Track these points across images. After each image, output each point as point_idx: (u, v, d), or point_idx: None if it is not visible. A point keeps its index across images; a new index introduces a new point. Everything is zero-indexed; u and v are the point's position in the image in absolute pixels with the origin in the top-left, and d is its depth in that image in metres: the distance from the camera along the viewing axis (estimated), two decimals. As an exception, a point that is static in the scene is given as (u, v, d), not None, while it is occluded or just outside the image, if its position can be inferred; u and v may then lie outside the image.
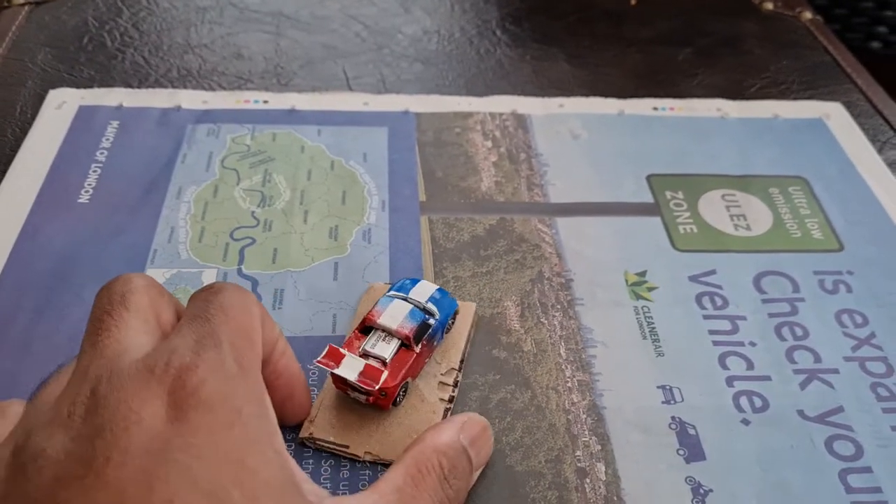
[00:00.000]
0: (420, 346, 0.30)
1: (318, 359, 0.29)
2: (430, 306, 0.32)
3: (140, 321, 0.24)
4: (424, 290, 0.32)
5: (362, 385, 0.29)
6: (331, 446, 0.30)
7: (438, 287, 0.33)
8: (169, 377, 0.21)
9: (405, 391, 0.30)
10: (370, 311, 0.31)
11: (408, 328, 0.30)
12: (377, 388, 0.29)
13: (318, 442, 0.30)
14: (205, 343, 0.22)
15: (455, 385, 0.32)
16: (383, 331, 0.31)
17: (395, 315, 0.31)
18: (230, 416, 0.21)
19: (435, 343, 0.32)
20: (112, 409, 0.20)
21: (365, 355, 0.30)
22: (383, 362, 0.30)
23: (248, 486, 0.20)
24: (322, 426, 0.30)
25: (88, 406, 0.21)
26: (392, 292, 0.32)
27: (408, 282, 0.33)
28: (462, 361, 0.33)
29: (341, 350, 0.30)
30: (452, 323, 0.33)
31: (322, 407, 0.30)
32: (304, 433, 0.30)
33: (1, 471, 0.20)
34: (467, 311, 0.34)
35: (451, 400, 0.31)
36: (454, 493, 0.26)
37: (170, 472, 0.20)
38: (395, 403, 0.30)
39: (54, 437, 0.20)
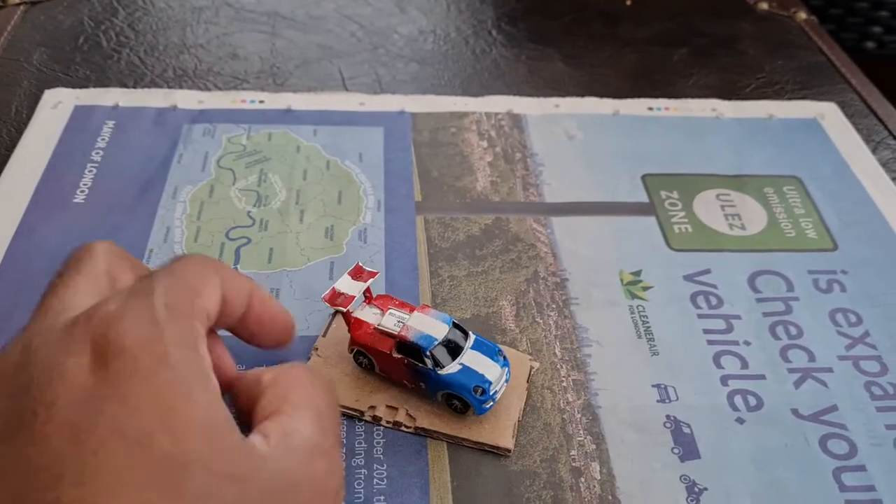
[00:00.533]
0: (400, 358, 0.30)
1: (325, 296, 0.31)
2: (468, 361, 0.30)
3: (90, 283, 0.24)
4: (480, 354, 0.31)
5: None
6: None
7: (503, 364, 0.31)
8: (91, 328, 0.21)
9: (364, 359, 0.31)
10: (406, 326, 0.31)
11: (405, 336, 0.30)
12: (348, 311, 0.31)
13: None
14: (136, 293, 0.22)
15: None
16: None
17: (425, 326, 0.30)
18: (154, 361, 0.21)
19: (421, 384, 0.31)
20: (38, 364, 0.21)
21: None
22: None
23: (177, 430, 0.20)
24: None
25: (18, 364, 0.21)
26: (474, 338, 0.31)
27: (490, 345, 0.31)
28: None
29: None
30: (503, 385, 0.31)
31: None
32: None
33: None
34: (520, 364, 0.33)
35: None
36: (334, 413, 0.26)
37: (96, 423, 0.20)
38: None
39: None
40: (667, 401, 0.33)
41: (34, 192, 0.40)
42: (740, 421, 0.32)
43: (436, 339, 0.30)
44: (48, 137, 0.43)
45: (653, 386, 0.33)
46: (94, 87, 0.47)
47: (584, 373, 0.33)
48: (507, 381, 0.31)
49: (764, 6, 0.60)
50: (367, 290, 0.32)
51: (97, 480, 0.19)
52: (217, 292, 0.24)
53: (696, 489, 0.30)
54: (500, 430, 0.30)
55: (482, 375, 0.30)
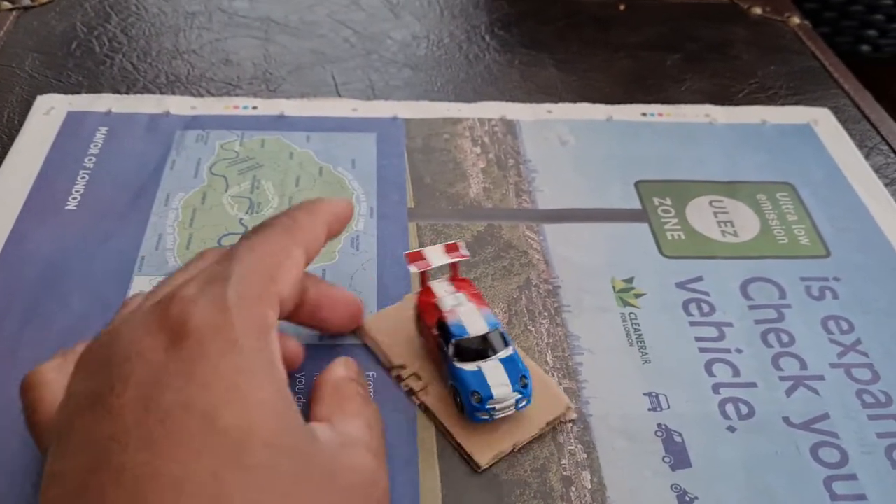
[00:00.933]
0: (436, 335, 0.31)
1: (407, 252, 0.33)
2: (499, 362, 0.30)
3: (185, 271, 0.27)
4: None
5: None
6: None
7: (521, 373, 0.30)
8: (168, 310, 0.23)
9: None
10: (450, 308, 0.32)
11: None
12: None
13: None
14: (213, 278, 0.24)
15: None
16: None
17: (468, 318, 0.31)
18: (223, 346, 0.22)
19: (442, 367, 0.31)
20: (119, 343, 0.23)
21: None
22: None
23: (241, 406, 0.21)
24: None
25: (102, 344, 0.23)
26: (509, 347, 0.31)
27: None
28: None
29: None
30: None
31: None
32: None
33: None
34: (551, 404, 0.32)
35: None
36: (378, 423, 0.28)
37: (163, 395, 0.21)
38: None
39: (77, 374, 0.23)
40: (658, 409, 0.32)
41: (26, 198, 0.40)
42: (731, 429, 0.32)
43: (468, 333, 0.30)
44: (40, 144, 0.43)
45: (644, 394, 0.33)
46: (87, 92, 0.47)
47: (576, 381, 0.33)
48: (518, 408, 0.30)
49: (757, 11, 0.60)
50: (455, 269, 0.33)
51: (161, 447, 0.20)
52: (297, 269, 0.26)
53: (687, 498, 0.30)
54: (486, 445, 0.30)
55: (488, 387, 0.29)
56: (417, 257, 0.33)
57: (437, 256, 0.33)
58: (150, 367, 0.22)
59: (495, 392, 0.29)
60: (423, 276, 0.33)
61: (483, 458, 0.30)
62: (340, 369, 0.30)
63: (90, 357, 0.23)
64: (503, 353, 0.30)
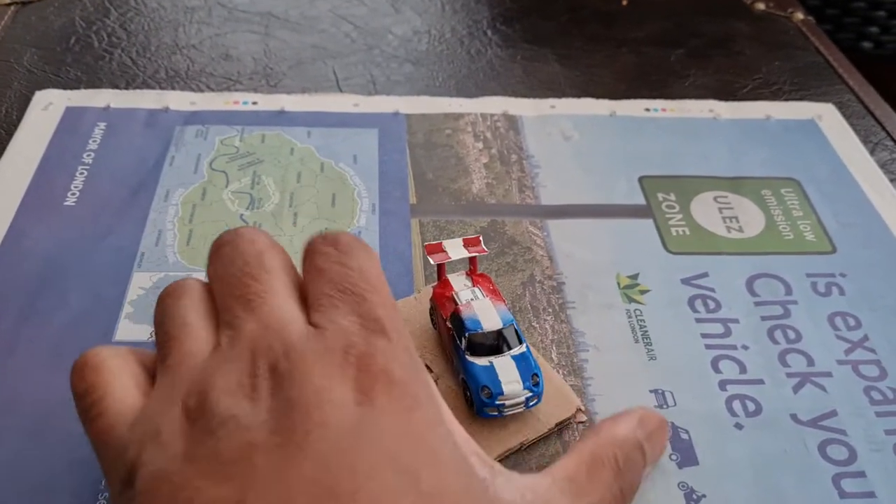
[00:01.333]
0: (449, 328, 0.31)
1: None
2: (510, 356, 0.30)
3: (282, 284, 0.24)
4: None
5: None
6: None
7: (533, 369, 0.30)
8: (352, 361, 0.21)
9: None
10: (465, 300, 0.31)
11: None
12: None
13: None
14: (371, 327, 0.22)
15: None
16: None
17: (483, 313, 0.31)
18: (410, 401, 0.21)
19: (454, 360, 0.31)
20: (301, 386, 0.21)
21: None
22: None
23: (438, 468, 0.21)
24: None
25: (273, 381, 0.21)
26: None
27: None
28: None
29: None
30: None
31: None
32: None
33: (174, 428, 0.21)
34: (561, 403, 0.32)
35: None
36: (627, 487, 0.26)
37: (366, 449, 0.20)
38: None
39: (241, 404, 0.20)
40: (664, 406, 0.32)
41: (25, 194, 0.40)
42: (739, 426, 0.32)
43: (482, 328, 0.30)
44: (39, 139, 0.43)
45: (650, 391, 0.33)
46: (86, 88, 0.47)
47: (581, 378, 0.33)
48: (528, 406, 0.30)
49: (761, 6, 0.60)
50: (474, 263, 0.33)
51: (367, 502, 0.19)
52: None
53: (695, 496, 0.29)
54: (494, 441, 0.30)
55: (499, 382, 0.29)
56: (437, 249, 0.33)
57: (456, 249, 0.33)
58: (346, 418, 0.20)
59: (506, 388, 0.29)
60: (441, 269, 0.33)
61: (490, 454, 0.29)
62: (626, 426, 0.27)
63: (250, 389, 0.21)
64: (516, 350, 0.30)
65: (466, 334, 0.30)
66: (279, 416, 0.20)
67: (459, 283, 0.32)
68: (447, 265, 0.33)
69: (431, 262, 0.33)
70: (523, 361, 0.30)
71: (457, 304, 0.31)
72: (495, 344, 0.30)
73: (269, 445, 0.20)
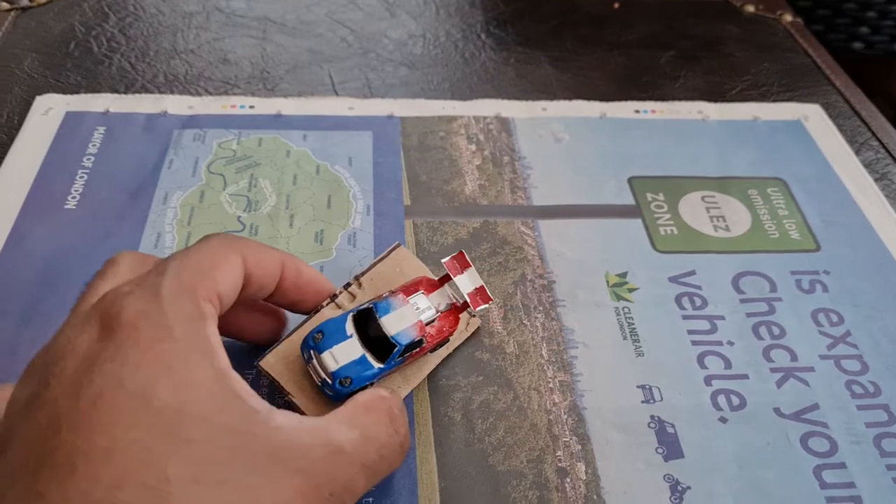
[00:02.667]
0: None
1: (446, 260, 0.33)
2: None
3: (112, 284, 0.26)
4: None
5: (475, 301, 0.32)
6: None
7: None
8: (102, 306, 0.24)
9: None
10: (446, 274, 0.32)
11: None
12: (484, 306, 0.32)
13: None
14: (148, 275, 0.25)
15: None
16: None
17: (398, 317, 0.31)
18: (158, 333, 0.23)
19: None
20: (56, 345, 0.24)
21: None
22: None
23: (176, 385, 0.22)
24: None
25: (41, 350, 0.24)
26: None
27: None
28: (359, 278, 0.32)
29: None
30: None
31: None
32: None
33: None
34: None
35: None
36: (403, 441, 0.27)
37: (95, 377, 0.22)
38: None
39: (18, 384, 0.24)
40: (651, 401, 0.33)
41: (25, 198, 0.40)
42: (723, 420, 0.32)
43: (382, 321, 0.31)
44: (39, 144, 0.44)
45: (638, 387, 0.34)
46: (85, 92, 0.48)
47: (571, 374, 0.34)
48: (323, 388, 0.30)
49: (750, 9, 0.61)
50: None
51: (93, 425, 0.21)
52: (235, 271, 0.27)
53: (680, 488, 0.30)
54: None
55: (332, 343, 0.30)
56: (460, 266, 0.33)
57: (466, 283, 0.32)
58: (81, 359, 0.22)
59: (326, 354, 0.30)
60: (445, 279, 0.33)
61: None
62: (384, 391, 0.28)
63: (30, 366, 0.24)
64: (373, 361, 0.30)
65: (372, 314, 0.30)
66: (36, 382, 0.23)
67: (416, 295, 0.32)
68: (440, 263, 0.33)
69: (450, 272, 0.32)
70: (361, 365, 0.30)
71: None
72: (376, 338, 0.30)
73: (23, 413, 0.22)
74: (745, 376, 0.34)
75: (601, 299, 0.37)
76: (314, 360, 0.30)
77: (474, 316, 0.35)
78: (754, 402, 0.33)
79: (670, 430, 0.32)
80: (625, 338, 0.36)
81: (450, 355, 0.34)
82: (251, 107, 0.47)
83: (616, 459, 0.31)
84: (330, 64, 0.52)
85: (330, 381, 0.29)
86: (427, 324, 0.31)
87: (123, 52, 0.52)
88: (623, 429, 0.32)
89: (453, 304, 0.32)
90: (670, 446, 0.31)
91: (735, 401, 0.33)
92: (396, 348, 0.30)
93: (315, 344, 0.30)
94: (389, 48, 0.54)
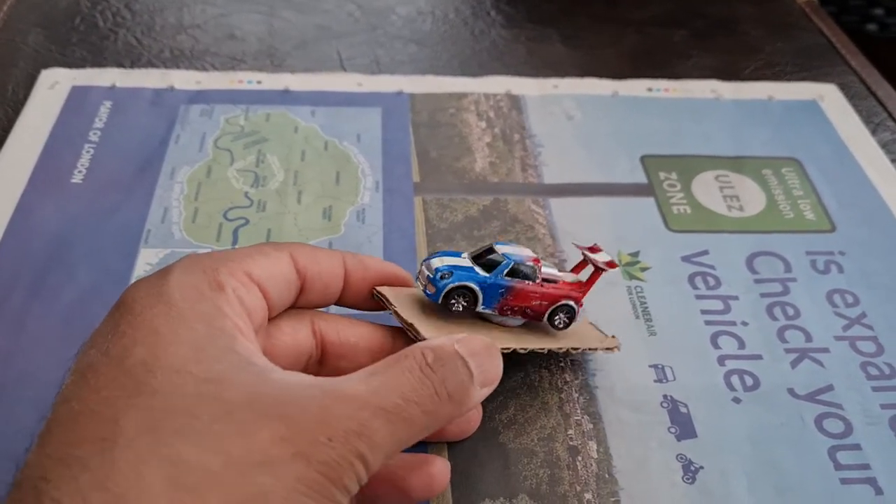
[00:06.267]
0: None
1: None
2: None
3: None
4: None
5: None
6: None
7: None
8: (121, 294, 0.25)
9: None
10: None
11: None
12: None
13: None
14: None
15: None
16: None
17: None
18: (152, 300, 0.24)
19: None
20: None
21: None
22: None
23: (154, 342, 0.23)
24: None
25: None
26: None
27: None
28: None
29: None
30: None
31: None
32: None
33: None
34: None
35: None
36: (441, 387, 0.24)
37: (89, 352, 0.23)
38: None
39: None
40: (664, 381, 0.33)
41: (32, 172, 0.40)
42: (737, 400, 0.32)
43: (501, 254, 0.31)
44: (45, 118, 0.43)
45: (650, 366, 0.33)
46: (91, 67, 0.47)
47: (582, 353, 0.33)
48: (425, 292, 0.30)
49: (764, -13, 0.60)
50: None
51: (73, 395, 0.22)
52: (276, 264, 0.27)
53: (693, 468, 0.30)
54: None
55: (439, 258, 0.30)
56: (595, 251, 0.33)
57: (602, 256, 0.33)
58: (89, 344, 0.23)
59: (435, 260, 0.30)
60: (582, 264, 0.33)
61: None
62: (440, 340, 0.26)
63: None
64: (478, 269, 0.30)
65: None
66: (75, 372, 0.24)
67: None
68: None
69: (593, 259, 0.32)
70: (466, 270, 0.30)
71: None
72: (489, 261, 0.30)
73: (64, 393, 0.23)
74: (759, 356, 0.34)
75: (613, 278, 0.37)
76: (422, 268, 0.30)
77: (607, 338, 0.33)
78: (768, 382, 0.33)
79: (683, 409, 0.32)
80: (637, 317, 0.35)
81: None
82: (259, 82, 0.47)
83: (628, 438, 0.31)
84: (338, 40, 0.51)
85: (431, 276, 0.29)
86: (546, 281, 0.31)
87: (129, 27, 0.51)
88: (635, 408, 0.32)
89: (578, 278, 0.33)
90: (683, 426, 0.31)
91: (749, 381, 0.33)
92: (504, 262, 0.30)
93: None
94: (398, 24, 0.53)
